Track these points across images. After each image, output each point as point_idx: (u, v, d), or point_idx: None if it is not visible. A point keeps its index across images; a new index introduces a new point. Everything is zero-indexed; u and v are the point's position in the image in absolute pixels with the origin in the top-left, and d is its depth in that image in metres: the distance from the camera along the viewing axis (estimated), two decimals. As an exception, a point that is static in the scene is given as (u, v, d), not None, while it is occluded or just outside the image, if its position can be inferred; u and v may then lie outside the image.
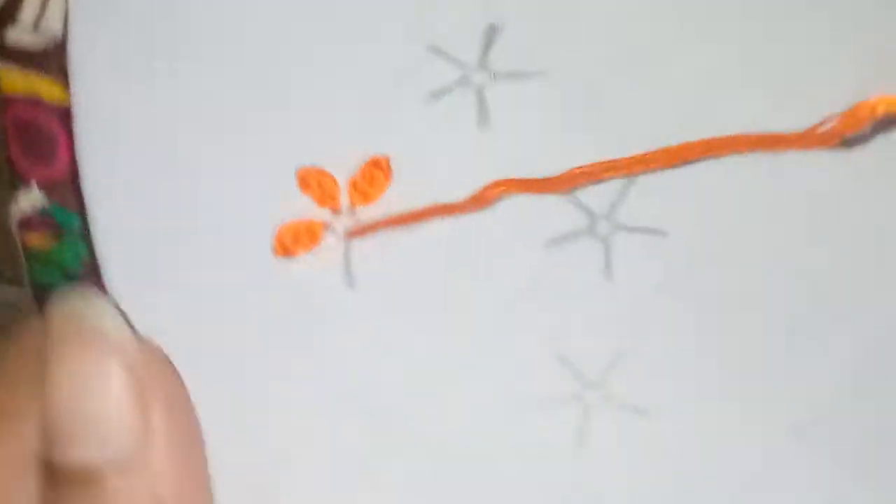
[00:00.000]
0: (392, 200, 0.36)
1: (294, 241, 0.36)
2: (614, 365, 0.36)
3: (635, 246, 0.36)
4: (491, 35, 0.36)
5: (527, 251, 0.36)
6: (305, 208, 0.36)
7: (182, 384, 0.34)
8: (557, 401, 0.36)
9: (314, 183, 0.36)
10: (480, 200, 0.36)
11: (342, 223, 0.36)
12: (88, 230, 0.34)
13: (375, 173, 0.36)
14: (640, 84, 0.36)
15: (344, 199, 0.36)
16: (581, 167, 0.36)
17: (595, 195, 0.36)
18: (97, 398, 0.32)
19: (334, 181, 0.36)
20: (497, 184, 0.36)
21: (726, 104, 0.35)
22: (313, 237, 0.36)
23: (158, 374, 0.33)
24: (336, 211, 0.36)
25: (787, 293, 0.35)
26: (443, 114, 0.36)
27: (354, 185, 0.36)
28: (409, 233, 0.36)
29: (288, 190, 0.36)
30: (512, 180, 0.36)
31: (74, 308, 0.32)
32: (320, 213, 0.36)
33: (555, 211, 0.36)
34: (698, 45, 0.36)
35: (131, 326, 0.32)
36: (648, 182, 0.36)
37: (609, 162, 0.35)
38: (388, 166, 0.36)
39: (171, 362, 0.33)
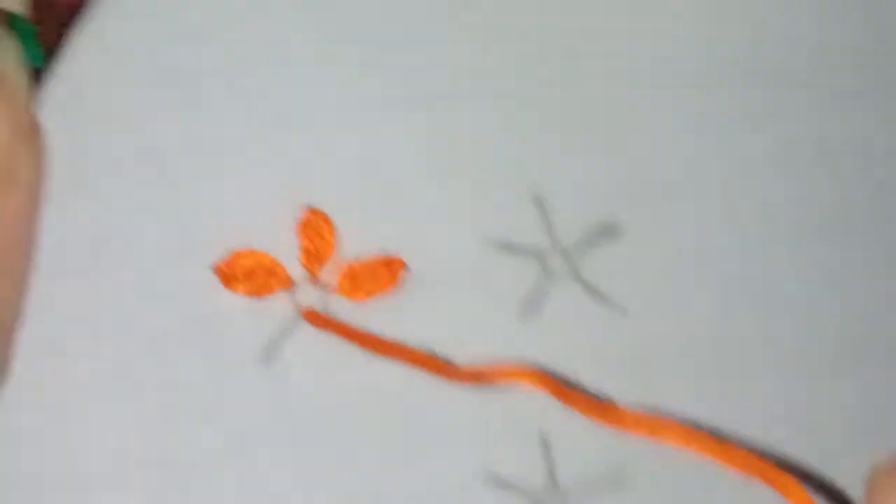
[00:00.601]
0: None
1: (247, 276, 0.28)
2: None
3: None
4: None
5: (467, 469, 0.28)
6: (285, 253, 0.29)
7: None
8: None
9: (313, 233, 0.29)
10: (483, 376, 0.28)
11: (310, 295, 0.29)
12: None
13: (384, 272, 0.29)
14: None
15: (331, 275, 0.29)
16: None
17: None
18: None
19: (331, 248, 0.29)
20: (527, 372, 0.28)
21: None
22: (267, 285, 0.28)
23: (37, 139, 0.28)
24: (312, 279, 0.29)
25: None
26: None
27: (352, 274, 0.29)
28: (364, 356, 0.28)
29: (283, 220, 0.29)
30: (544, 375, 0.28)
31: None
32: (295, 270, 0.29)
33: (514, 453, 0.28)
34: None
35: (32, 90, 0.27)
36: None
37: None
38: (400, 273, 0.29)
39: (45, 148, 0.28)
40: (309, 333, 0.28)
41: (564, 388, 0.28)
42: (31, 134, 0.27)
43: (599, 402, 0.28)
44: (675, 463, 0.28)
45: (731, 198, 0.29)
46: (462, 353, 0.28)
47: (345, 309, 0.29)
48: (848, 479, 0.28)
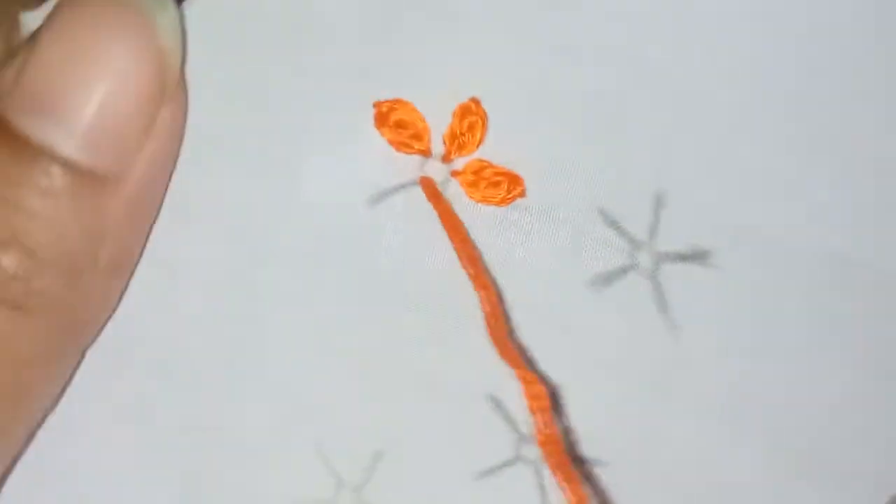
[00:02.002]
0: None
1: (397, 126, 0.31)
2: None
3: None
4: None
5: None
6: (436, 126, 0.32)
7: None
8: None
9: (466, 121, 0.32)
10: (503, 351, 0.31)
11: (436, 170, 0.32)
12: None
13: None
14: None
15: (462, 164, 0.32)
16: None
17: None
18: (111, 81, 0.27)
19: (475, 142, 0.32)
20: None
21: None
22: (409, 144, 0.32)
23: (182, 107, 0.30)
24: (445, 159, 0.32)
25: None
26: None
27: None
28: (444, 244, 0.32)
29: (447, 99, 0.32)
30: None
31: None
32: (437, 145, 0.32)
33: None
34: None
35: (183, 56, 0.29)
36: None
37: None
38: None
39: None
40: (417, 198, 0.32)
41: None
42: (176, 93, 0.29)
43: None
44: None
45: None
46: (517, 292, 0.32)
47: (456, 200, 0.32)
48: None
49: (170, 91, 0.29)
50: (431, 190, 0.32)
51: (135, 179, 0.28)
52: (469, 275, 0.31)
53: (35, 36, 0.28)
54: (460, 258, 0.31)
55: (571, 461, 0.31)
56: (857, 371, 0.31)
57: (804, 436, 0.31)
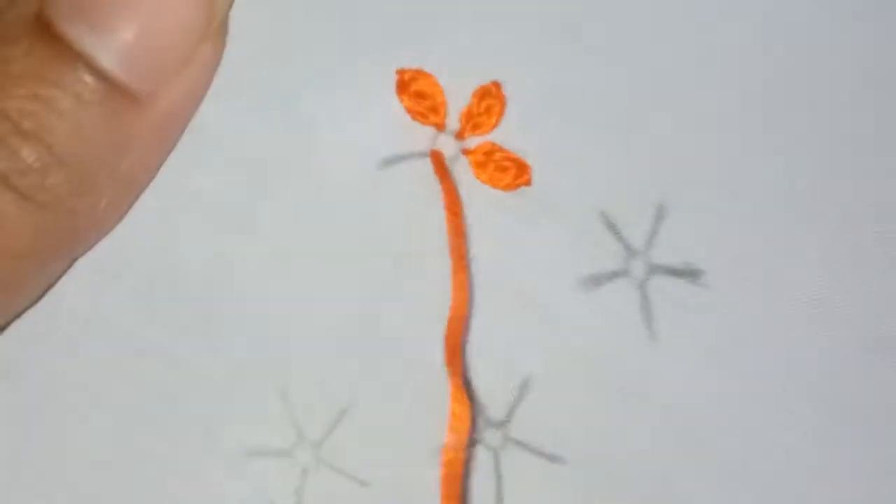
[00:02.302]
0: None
1: (416, 96, 0.32)
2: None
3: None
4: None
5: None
6: (455, 103, 0.32)
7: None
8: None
9: (485, 103, 0.32)
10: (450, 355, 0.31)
11: (447, 146, 0.32)
12: None
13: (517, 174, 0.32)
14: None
15: (474, 143, 0.32)
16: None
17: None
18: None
19: (490, 124, 0.32)
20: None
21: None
22: (425, 115, 0.32)
23: (221, 46, 0.30)
24: (458, 136, 0.32)
25: None
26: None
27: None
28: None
29: (470, 79, 0.32)
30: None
31: None
32: (452, 121, 0.32)
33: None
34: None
35: None
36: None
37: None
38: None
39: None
40: (424, 170, 0.32)
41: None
42: (219, 31, 0.30)
43: None
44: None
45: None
46: (502, 275, 0.32)
47: (463, 177, 0.32)
48: None
49: (214, 28, 0.30)
50: (440, 164, 0.32)
51: (164, 104, 0.29)
52: (452, 267, 0.31)
53: None
54: (450, 246, 0.31)
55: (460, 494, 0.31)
56: (822, 412, 0.31)
57: (763, 470, 0.32)
